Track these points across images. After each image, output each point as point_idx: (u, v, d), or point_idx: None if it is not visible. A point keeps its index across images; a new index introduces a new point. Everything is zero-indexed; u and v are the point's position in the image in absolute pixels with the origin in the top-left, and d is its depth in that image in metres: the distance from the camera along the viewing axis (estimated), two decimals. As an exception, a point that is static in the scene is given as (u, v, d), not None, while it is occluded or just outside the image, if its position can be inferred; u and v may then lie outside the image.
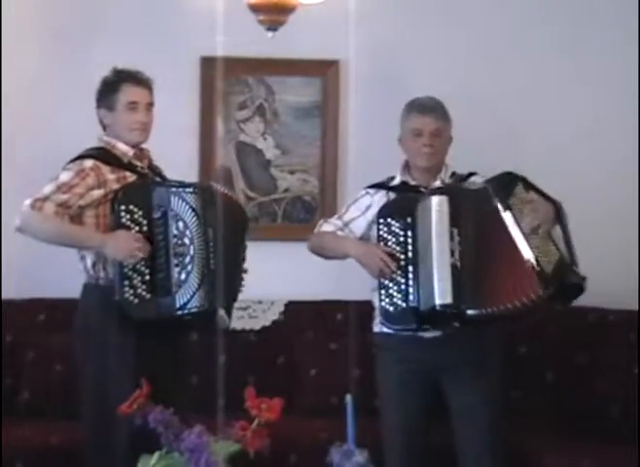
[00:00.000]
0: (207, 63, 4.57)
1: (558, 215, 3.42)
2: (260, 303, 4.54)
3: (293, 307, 4.57)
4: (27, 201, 3.42)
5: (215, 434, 2.34)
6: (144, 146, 3.66)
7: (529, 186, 3.43)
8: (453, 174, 3.61)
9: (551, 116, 4.66)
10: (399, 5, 4.63)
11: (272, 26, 3.67)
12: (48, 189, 3.44)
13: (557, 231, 3.45)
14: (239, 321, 4.43)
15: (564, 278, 3.33)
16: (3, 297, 4.38)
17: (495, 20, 4.66)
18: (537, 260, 3.28)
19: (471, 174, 3.61)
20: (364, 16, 4.29)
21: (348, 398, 2.40)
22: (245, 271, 3.68)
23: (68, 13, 4.57)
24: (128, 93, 3.58)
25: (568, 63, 4.68)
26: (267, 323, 4.54)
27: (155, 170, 3.69)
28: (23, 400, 4.26)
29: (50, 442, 3.94)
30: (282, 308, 4.57)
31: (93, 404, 3.47)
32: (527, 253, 3.29)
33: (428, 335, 3.46)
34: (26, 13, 4.55)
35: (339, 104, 4.68)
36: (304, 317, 4.53)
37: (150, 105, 3.62)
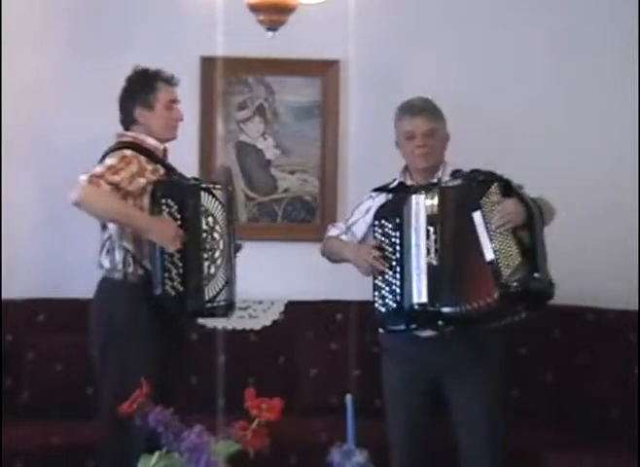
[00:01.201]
0: (207, 63, 4.57)
1: (530, 219, 3.37)
2: (260, 303, 4.54)
3: (293, 307, 4.57)
4: (84, 177, 3.44)
5: (215, 434, 2.34)
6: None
7: (507, 187, 3.41)
8: (455, 172, 3.60)
9: (551, 115, 4.66)
10: (399, 5, 4.63)
11: (272, 26, 3.66)
12: (99, 169, 3.48)
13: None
14: (239, 321, 4.44)
15: (523, 284, 3.31)
16: (3, 297, 4.38)
17: (495, 20, 4.66)
18: (496, 262, 3.29)
19: (473, 171, 3.60)
20: (363, 16, 4.29)
21: (348, 398, 2.40)
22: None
23: (67, 13, 4.57)
24: (166, 93, 3.69)
25: (568, 62, 4.67)
26: (267, 323, 4.54)
27: (173, 170, 3.73)
28: (23, 400, 4.25)
29: (50, 442, 3.94)
30: (282, 308, 4.57)
31: (120, 401, 3.47)
32: (489, 254, 3.31)
33: (424, 334, 3.46)
34: (27, 14, 4.55)
35: (339, 104, 4.68)
36: (304, 317, 4.53)
37: (179, 102, 3.75)
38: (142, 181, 3.53)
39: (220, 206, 3.58)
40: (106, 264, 3.61)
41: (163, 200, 3.51)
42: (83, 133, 4.41)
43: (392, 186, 3.64)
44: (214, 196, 3.58)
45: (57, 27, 4.58)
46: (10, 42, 4.50)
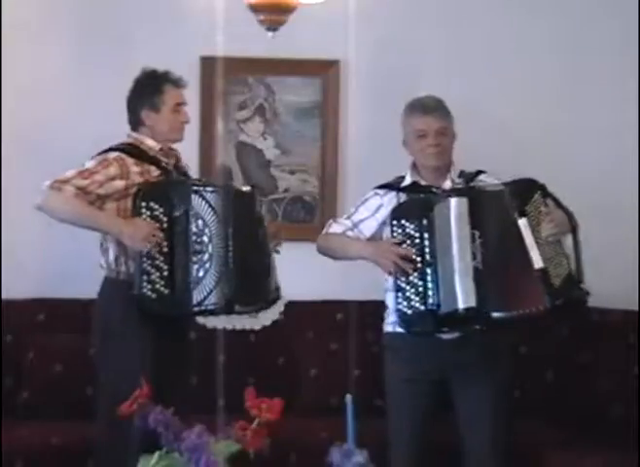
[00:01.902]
0: (207, 63, 4.57)
1: (573, 227, 3.42)
2: (260, 303, 4.54)
3: (293, 307, 4.55)
4: (47, 182, 3.47)
5: (215, 434, 2.34)
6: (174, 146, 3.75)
7: (547, 195, 3.43)
8: (462, 173, 3.60)
9: (551, 115, 4.66)
10: (399, 5, 4.63)
11: (272, 26, 3.67)
12: (70, 173, 3.50)
13: (567, 242, 3.45)
14: (239, 321, 4.43)
15: (569, 293, 3.34)
16: (3, 297, 4.38)
17: (495, 20, 4.66)
18: (547, 271, 3.30)
19: (479, 172, 3.60)
20: (364, 16, 4.29)
21: (348, 398, 2.40)
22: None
23: (68, 13, 4.57)
24: (173, 96, 3.68)
25: (568, 63, 4.68)
26: (267, 323, 4.53)
27: (180, 170, 3.74)
28: (23, 400, 4.25)
29: (50, 442, 3.94)
30: (282, 308, 4.56)
31: (112, 399, 3.49)
32: (538, 263, 3.31)
33: (446, 336, 3.44)
34: (28, 14, 4.55)
35: (339, 104, 4.68)
36: (304, 317, 4.53)
37: (185, 105, 3.75)
38: (119, 184, 3.53)
39: (210, 209, 3.52)
40: (102, 262, 3.63)
41: (144, 204, 3.49)
42: (83, 133, 4.41)
43: (404, 185, 3.60)
44: (205, 199, 3.52)
45: (58, 27, 4.58)
46: (10, 42, 4.50)
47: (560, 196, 3.51)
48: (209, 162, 4.62)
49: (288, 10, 3.65)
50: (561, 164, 4.60)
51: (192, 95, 4.48)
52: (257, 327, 4.52)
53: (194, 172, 4.44)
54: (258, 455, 2.34)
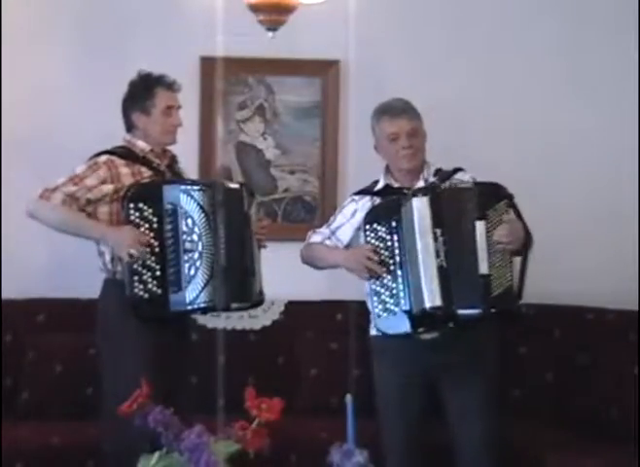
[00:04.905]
0: (207, 63, 4.57)
1: (526, 244, 3.41)
2: (260, 302, 4.54)
3: (293, 307, 4.57)
4: (39, 190, 3.52)
5: (215, 434, 2.34)
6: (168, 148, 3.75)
7: (512, 206, 3.43)
8: (438, 171, 3.60)
9: (550, 116, 4.66)
10: (399, 5, 4.64)
11: (272, 26, 3.67)
12: (60, 180, 3.54)
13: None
14: (239, 321, 4.44)
15: (505, 306, 3.36)
16: (3, 297, 4.38)
17: (496, 21, 4.66)
18: (489, 278, 3.32)
19: (457, 170, 3.60)
20: (363, 16, 4.29)
21: (348, 398, 2.40)
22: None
23: (69, 13, 4.57)
24: (165, 99, 3.68)
25: (567, 64, 4.68)
26: (267, 323, 4.54)
27: (173, 170, 3.73)
28: (23, 400, 4.25)
29: (50, 442, 3.94)
30: (282, 308, 4.57)
31: (114, 400, 3.49)
32: (484, 268, 3.33)
33: (426, 337, 3.45)
34: (29, 14, 4.55)
35: (339, 104, 4.68)
36: (304, 317, 4.53)
37: (179, 108, 3.73)
38: (109, 187, 3.55)
39: (198, 207, 3.51)
40: (100, 264, 3.64)
41: (132, 205, 3.50)
42: (83, 133, 4.42)
43: (377, 188, 3.62)
44: (193, 197, 3.52)
45: (58, 28, 4.58)
46: (10, 42, 4.50)
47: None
48: (209, 162, 4.62)
49: (288, 10, 3.65)
50: (561, 165, 4.61)
51: (191, 96, 4.50)
52: (257, 327, 4.54)
53: (194, 172, 4.45)
54: (258, 455, 2.35)
